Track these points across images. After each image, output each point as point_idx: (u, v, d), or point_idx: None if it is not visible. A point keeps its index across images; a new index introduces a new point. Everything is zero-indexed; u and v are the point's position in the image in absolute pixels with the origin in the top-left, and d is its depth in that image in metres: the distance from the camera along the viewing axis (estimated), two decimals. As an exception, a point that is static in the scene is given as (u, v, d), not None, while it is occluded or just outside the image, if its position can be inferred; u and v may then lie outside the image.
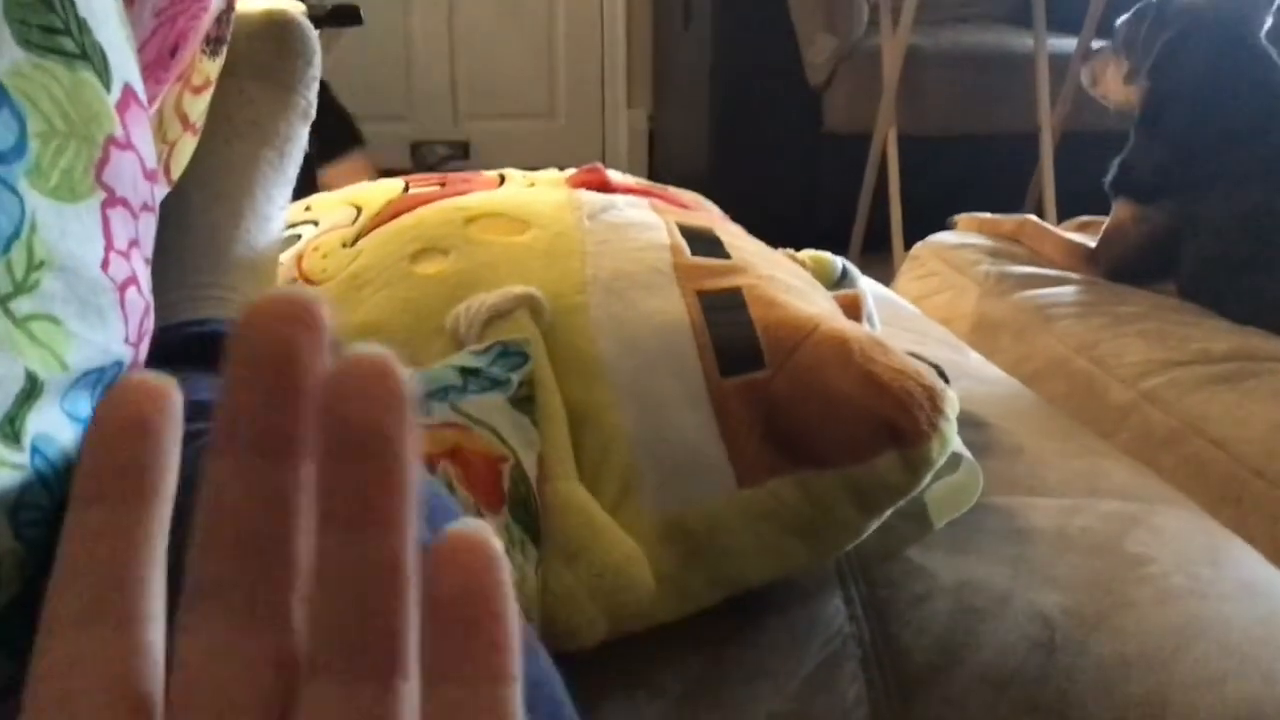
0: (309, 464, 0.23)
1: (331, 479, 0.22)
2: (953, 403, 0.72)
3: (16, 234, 0.47)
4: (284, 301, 0.23)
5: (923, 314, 1.33)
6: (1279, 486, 1.19)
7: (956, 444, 0.74)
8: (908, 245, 2.01)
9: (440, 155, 3.83)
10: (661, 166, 3.79)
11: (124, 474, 0.22)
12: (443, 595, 0.23)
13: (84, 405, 0.52)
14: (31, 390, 0.48)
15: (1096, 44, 1.89)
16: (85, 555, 0.22)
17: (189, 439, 0.51)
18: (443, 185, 0.92)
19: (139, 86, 0.56)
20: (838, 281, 0.96)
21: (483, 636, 0.22)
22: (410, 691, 0.22)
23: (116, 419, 0.22)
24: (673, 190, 0.98)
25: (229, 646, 0.22)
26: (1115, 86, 1.77)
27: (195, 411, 0.54)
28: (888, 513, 0.72)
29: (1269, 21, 1.66)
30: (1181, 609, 0.71)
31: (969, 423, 0.92)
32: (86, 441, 0.23)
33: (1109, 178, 1.72)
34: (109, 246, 0.52)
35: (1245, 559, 0.81)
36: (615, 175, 0.97)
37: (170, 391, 0.23)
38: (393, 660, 0.22)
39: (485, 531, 0.23)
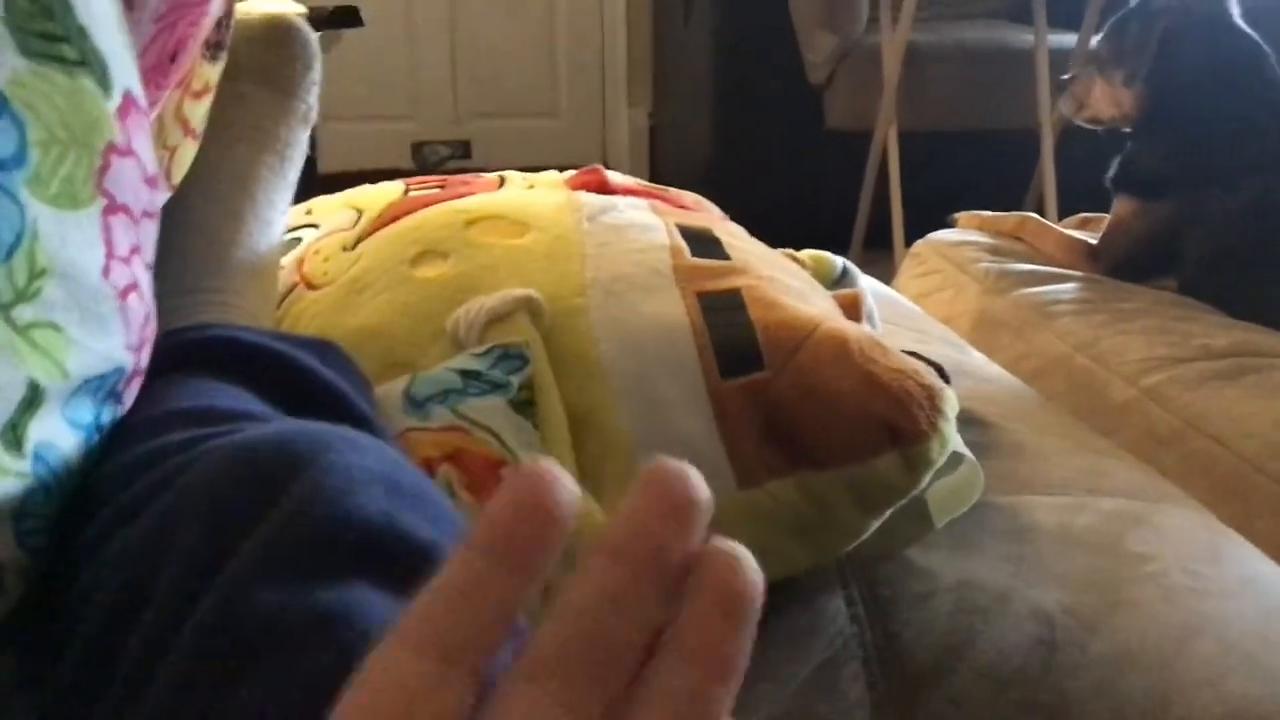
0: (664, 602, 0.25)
1: (697, 620, 0.25)
2: (952, 402, 0.72)
3: (18, 242, 0.47)
4: (689, 470, 0.26)
5: (923, 312, 1.33)
6: (1281, 483, 1.19)
7: (957, 443, 0.74)
8: (909, 243, 2.01)
9: (442, 155, 3.83)
10: (662, 165, 3.79)
11: (525, 546, 0.25)
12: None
13: (85, 412, 0.52)
14: (33, 398, 0.48)
15: (1064, 75, 1.89)
16: (452, 593, 0.25)
17: (192, 443, 0.52)
18: (443, 188, 0.92)
19: (139, 93, 0.56)
20: (838, 281, 0.96)
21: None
22: None
23: (533, 495, 0.25)
24: (673, 191, 0.98)
25: None
26: (1105, 103, 1.75)
27: (198, 417, 0.54)
28: (888, 513, 0.72)
29: (1237, 8, 1.67)
30: (1183, 607, 0.71)
31: (970, 421, 0.92)
32: (504, 498, 0.25)
33: (1110, 174, 1.72)
34: (110, 253, 0.52)
35: (1246, 556, 0.81)
36: (615, 176, 0.97)
37: (575, 493, 0.26)
38: None
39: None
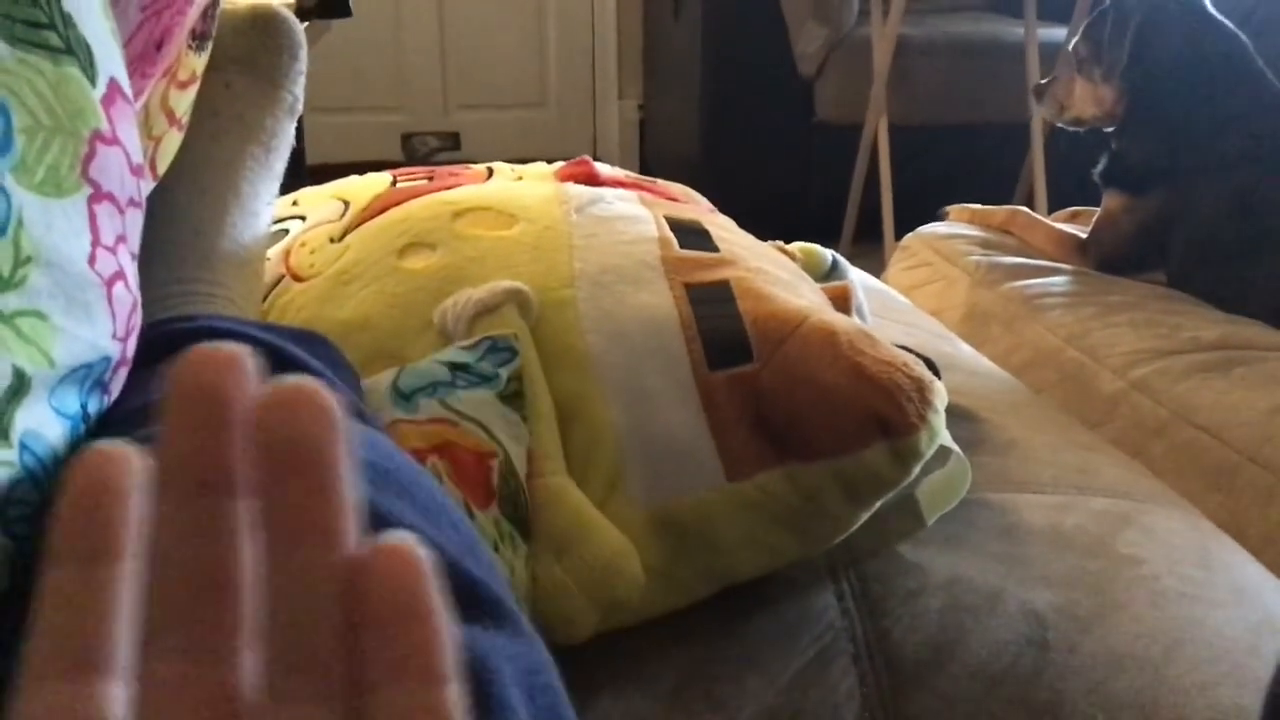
0: (250, 497, 0.24)
1: (269, 498, 0.24)
2: (941, 395, 0.72)
3: (3, 230, 0.47)
4: (209, 350, 0.24)
5: (913, 305, 1.33)
6: (1270, 470, 1.20)
7: (945, 438, 0.74)
8: (899, 235, 2.01)
9: (431, 146, 3.83)
10: (653, 157, 3.78)
11: (94, 534, 0.23)
12: (374, 604, 0.24)
13: (72, 401, 0.52)
14: (19, 387, 0.48)
15: (1041, 80, 1.89)
16: (57, 612, 0.23)
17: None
18: (430, 179, 0.92)
19: (124, 81, 0.56)
20: (827, 273, 0.96)
21: (415, 640, 0.23)
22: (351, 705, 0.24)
23: (86, 483, 0.23)
24: (661, 183, 0.98)
25: (182, 683, 0.23)
26: (1087, 102, 1.75)
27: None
28: (876, 505, 0.72)
29: None
30: (1173, 612, 0.71)
31: (960, 416, 0.92)
32: (57, 503, 0.24)
33: (1099, 169, 1.72)
34: (96, 242, 0.52)
35: (1236, 561, 0.81)
36: (603, 168, 0.97)
37: (134, 458, 0.24)
38: (329, 677, 0.24)
39: (410, 540, 0.24)
